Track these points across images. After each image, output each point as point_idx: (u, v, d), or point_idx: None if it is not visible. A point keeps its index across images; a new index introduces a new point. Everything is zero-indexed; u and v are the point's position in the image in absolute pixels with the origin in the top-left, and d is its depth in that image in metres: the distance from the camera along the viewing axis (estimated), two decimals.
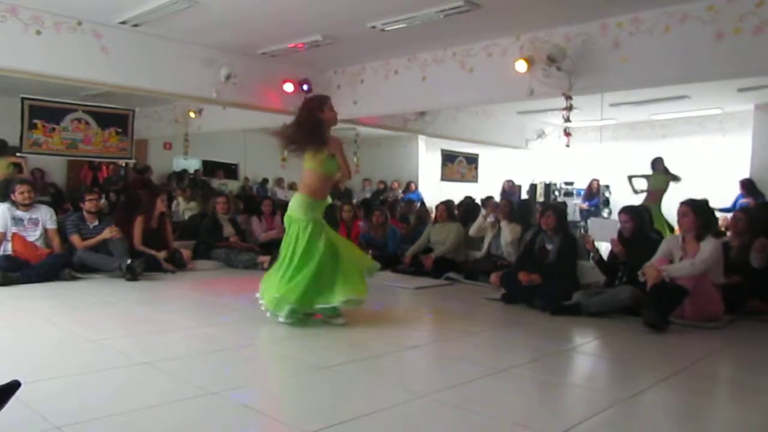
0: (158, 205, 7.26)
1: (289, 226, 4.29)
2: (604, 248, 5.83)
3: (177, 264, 6.97)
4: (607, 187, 13.75)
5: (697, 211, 4.72)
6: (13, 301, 5.01)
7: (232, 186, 15.01)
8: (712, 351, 4.01)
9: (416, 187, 14.90)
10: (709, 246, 4.57)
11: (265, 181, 15.62)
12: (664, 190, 9.34)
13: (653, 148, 10.86)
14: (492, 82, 7.50)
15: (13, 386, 1.97)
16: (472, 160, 14.92)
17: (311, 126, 4.25)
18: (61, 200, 10.51)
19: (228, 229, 7.99)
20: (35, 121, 8.13)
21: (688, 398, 3.09)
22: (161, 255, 6.86)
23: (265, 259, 7.36)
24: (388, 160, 15.96)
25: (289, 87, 8.65)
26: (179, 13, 6.51)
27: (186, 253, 7.24)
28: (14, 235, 6.04)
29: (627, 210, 5.50)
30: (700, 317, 4.55)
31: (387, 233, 8.08)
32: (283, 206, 9.16)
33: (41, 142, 8.19)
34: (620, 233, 5.44)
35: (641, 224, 5.42)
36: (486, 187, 13.39)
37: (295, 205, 4.30)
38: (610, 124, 13.67)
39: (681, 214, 4.80)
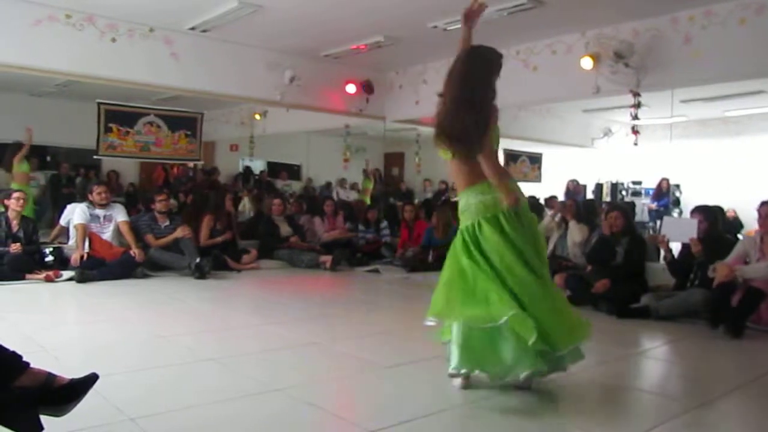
0: (227, 205, 7.51)
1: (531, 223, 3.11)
2: (675, 249, 5.62)
3: (235, 259, 7.21)
4: (678, 186, 13.23)
5: None
6: (90, 298, 5.27)
7: (295, 186, 15.27)
8: None
9: None
10: None
11: (329, 184, 15.76)
12: None
13: (725, 146, 10.36)
14: (557, 80, 7.34)
15: (92, 378, 2.07)
16: (535, 159, 14.63)
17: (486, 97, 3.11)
18: (135, 201, 10.94)
19: (285, 229, 8.14)
20: (110, 125, 8.48)
21: (767, 408, 2.94)
22: (226, 235, 7.23)
23: (327, 258, 7.48)
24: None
25: (351, 88, 8.73)
26: (245, 18, 6.69)
27: (253, 252, 7.43)
28: (91, 234, 6.36)
29: (700, 209, 5.27)
30: None
31: (449, 233, 8.03)
32: (345, 206, 9.29)
33: (116, 145, 8.54)
34: None
35: (714, 224, 5.19)
36: (550, 186, 13.12)
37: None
38: (681, 121, 13.14)
39: (761, 215, 4.59)
